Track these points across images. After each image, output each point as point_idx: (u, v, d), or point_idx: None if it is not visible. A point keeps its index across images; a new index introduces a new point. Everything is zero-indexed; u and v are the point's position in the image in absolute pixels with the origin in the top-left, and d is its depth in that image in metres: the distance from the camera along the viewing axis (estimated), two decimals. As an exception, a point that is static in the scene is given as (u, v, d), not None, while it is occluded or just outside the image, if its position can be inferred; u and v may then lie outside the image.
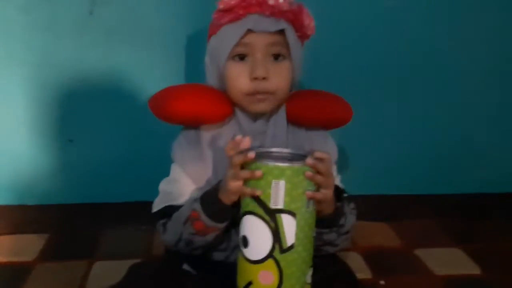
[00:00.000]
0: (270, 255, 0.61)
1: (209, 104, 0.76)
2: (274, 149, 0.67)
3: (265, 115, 0.78)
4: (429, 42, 1.07)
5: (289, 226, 0.60)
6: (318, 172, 0.61)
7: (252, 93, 0.73)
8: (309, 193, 0.60)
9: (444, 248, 1.02)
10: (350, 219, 0.77)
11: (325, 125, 0.83)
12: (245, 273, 0.63)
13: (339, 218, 0.72)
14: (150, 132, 1.04)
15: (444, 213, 1.15)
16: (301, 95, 0.81)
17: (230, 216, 0.69)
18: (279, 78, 0.73)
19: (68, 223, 1.10)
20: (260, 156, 0.62)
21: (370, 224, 1.12)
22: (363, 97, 1.07)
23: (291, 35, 0.73)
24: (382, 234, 1.09)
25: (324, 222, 0.68)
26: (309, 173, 0.60)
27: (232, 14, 0.72)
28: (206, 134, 0.78)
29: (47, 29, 0.98)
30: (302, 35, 0.77)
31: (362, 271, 0.93)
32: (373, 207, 1.12)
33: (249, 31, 0.71)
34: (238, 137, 0.64)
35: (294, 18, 0.74)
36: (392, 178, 1.14)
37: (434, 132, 1.13)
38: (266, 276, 0.61)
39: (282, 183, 0.59)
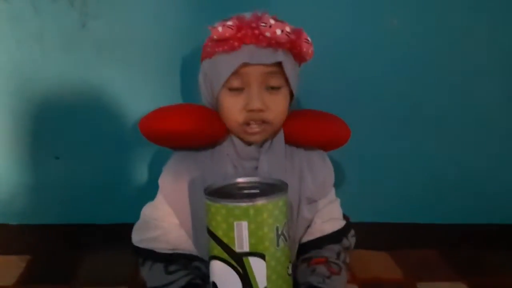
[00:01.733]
0: None
1: (201, 124, 0.73)
2: (240, 180, 0.63)
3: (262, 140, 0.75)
4: (436, 67, 1.02)
5: (258, 269, 0.55)
6: None
7: (248, 123, 0.71)
8: None
9: (448, 282, 0.97)
10: (344, 272, 0.76)
11: (323, 146, 0.81)
12: None
13: None
14: (139, 152, 1.00)
15: (448, 243, 1.10)
16: (298, 116, 0.79)
17: None
18: (276, 108, 0.71)
19: (51, 245, 1.05)
20: (219, 193, 0.58)
21: (370, 253, 1.07)
22: (367, 124, 1.03)
23: (288, 65, 0.70)
24: (382, 264, 1.04)
25: None
26: None
27: (226, 45, 0.68)
28: (198, 157, 0.75)
29: (35, 42, 0.94)
30: (300, 60, 0.75)
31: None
32: (374, 235, 1.07)
33: (245, 63, 0.68)
34: None
35: (292, 46, 0.70)
36: (395, 206, 1.10)
37: (437, 160, 1.08)
38: None
39: (245, 225, 0.54)
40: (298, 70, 0.76)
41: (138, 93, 0.98)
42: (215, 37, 0.68)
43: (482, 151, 1.08)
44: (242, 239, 0.55)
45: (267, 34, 0.66)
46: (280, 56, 0.68)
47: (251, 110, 0.69)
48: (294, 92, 0.74)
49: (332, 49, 0.98)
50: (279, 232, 0.57)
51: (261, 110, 0.69)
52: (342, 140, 0.82)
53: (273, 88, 0.70)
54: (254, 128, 0.71)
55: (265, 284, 0.56)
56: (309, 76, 0.97)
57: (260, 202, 0.55)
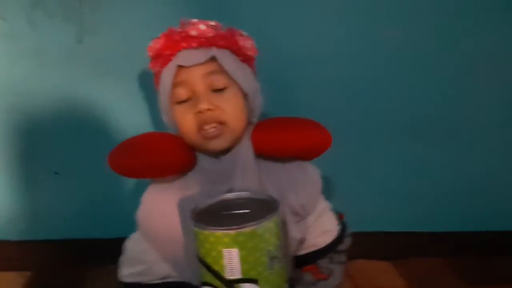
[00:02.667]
0: None
1: (167, 152, 0.70)
2: (228, 196, 0.61)
3: (229, 153, 0.72)
4: (433, 77, 1.01)
5: None
6: None
7: (201, 127, 0.68)
8: None
9: (454, 292, 0.96)
10: (336, 274, 0.75)
11: (302, 156, 0.74)
12: None
13: None
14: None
15: (452, 251, 1.09)
16: (267, 125, 0.74)
17: None
18: (227, 106, 0.68)
19: (52, 261, 1.04)
20: (207, 215, 0.56)
21: (373, 263, 1.06)
22: (366, 134, 1.03)
23: (226, 61, 0.68)
24: (386, 275, 1.03)
25: None
26: None
27: (161, 58, 0.69)
28: (172, 187, 0.73)
29: (33, 58, 0.94)
30: (245, 58, 0.72)
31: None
32: (377, 245, 1.06)
33: (181, 67, 0.67)
34: None
35: (228, 43, 0.69)
36: (397, 214, 1.08)
37: (438, 167, 1.07)
38: None
39: (235, 252, 0.52)
40: (250, 72, 0.74)
41: (136, 108, 0.97)
42: (150, 54, 0.70)
43: (482, 158, 1.07)
44: (233, 266, 0.53)
45: (193, 32, 0.67)
46: (214, 51, 0.68)
47: (200, 112, 0.67)
48: (247, 90, 0.71)
49: (328, 58, 0.98)
50: (272, 255, 0.54)
51: (209, 109, 0.67)
52: (322, 147, 0.74)
53: (219, 90, 0.68)
54: (211, 131, 0.68)
55: None
56: (305, 86, 0.98)
57: (249, 228, 0.52)
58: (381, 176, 1.07)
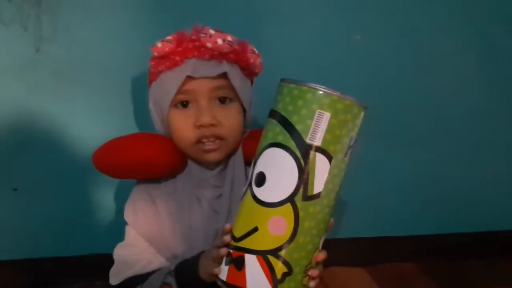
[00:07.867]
0: (290, 199, 0.50)
1: (156, 153, 0.69)
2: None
3: (221, 164, 0.72)
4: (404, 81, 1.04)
5: (321, 169, 0.50)
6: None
7: (200, 140, 0.67)
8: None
9: (426, 296, 0.97)
10: None
11: None
12: (251, 217, 0.52)
13: None
14: (101, 179, 0.94)
15: (423, 254, 1.10)
16: (258, 135, 0.74)
17: None
18: (229, 122, 0.68)
19: (15, 281, 0.98)
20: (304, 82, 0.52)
21: (346, 270, 1.05)
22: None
23: (235, 77, 0.67)
24: (360, 281, 1.03)
25: None
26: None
27: (168, 61, 0.66)
28: (160, 188, 0.72)
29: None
30: (249, 73, 0.72)
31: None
32: (350, 251, 1.06)
33: (189, 77, 0.65)
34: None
35: (238, 58, 0.68)
36: (369, 220, 1.09)
37: (409, 173, 1.09)
38: (278, 224, 0.50)
39: (327, 116, 0.49)
40: (250, 86, 0.73)
41: (99, 118, 0.93)
42: (155, 54, 0.66)
43: (454, 164, 1.10)
44: (318, 131, 0.50)
45: (208, 44, 0.64)
46: (225, 67, 0.66)
47: (202, 126, 0.66)
48: (246, 107, 0.70)
49: (298, 63, 0.97)
50: (351, 144, 0.52)
51: (212, 125, 0.66)
52: None
53: (223, 101, 0.68)
54: (210, 145, 0.67)
55: (321, 189, 0.51)
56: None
57: (350, 100, 0.50)
58: (353, 183, 1.06)
